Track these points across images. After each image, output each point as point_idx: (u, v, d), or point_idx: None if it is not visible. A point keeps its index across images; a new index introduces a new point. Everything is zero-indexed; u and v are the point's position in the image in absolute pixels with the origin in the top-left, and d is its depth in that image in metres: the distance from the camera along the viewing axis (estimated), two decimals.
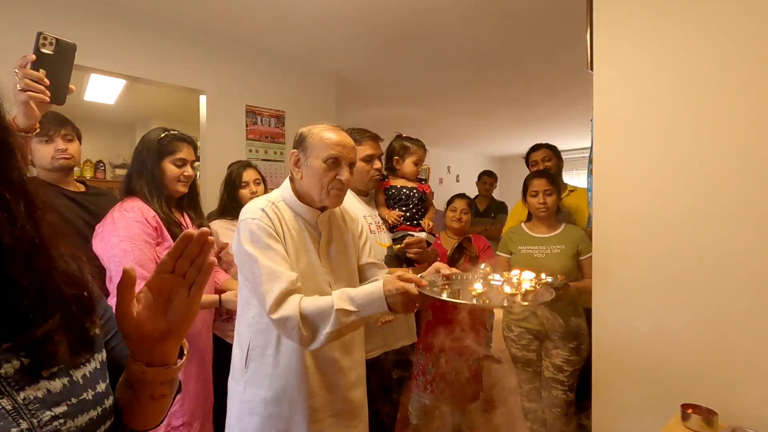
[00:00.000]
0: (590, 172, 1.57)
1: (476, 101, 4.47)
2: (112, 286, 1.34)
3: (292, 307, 0.97)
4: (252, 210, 1.09)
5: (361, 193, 1.69)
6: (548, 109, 4.81)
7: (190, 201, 1.61)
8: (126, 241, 1.32)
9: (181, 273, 0.52)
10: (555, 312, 1.87)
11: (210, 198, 2.78)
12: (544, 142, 2.42)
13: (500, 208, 3.78)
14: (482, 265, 1.04)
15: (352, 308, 0.94)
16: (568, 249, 1.91)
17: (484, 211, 3.71)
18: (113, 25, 2.39)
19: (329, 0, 2.37)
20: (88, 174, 4.76)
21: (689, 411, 1.14)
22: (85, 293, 0.50)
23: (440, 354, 2.19)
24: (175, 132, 1.53)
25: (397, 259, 1.58)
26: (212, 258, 0.52)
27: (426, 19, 2.59)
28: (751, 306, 1.15)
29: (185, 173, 1.50)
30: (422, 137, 1.85)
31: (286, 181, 1.18)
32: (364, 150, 1.62)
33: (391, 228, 1.70)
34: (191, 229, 0.51)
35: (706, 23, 1.23)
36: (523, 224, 2.08)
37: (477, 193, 3.91)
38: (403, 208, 1.72)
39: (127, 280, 0.50)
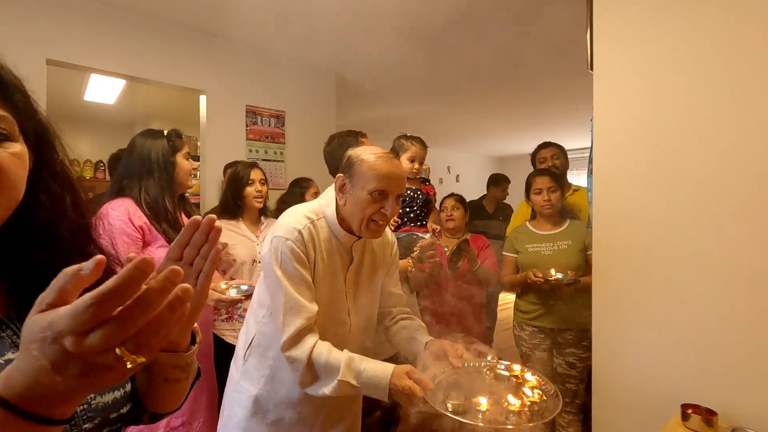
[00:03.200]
0: (590, 172, 1.57)
1: (477, 101, 4.47)
2: None
3: (303, 351, 0.98)
4: (289, 228, 1.04)
5: None
6: (549, 110, 4.81)
7: (181, 198, 1.63)
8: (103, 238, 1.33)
9: (188, 262, 0.51)
10: (568, 308, 1.87)
11: (210, 197, 2.79)
12: (544, 141, 2.42)
13: (508, 211, 3.81)
14: (489, 357, 1.00)
15: (354, 383, 0.95)
16: (575, 244, 1.91)
17: (493, 213, 3.72)
18: (113, 26, 2.39)
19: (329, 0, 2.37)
20: (88, 174, 4.76)
21: (689, 411, 1.14)
22: None
23: None
24: (174, 129, 1.56)
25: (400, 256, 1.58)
26: (219, 246, 0.51)
27: (426, 19, 2.59)
28: (752, 306, 1.15)
29: (194, 166, 1.58)
30: (422, 137, 1.85)
31: (332, 196, 1.10)
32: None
33: (395, 228, 1.70)
34: (197, 216, 0.50)
35: (705, 24, 1.23)
36: (527, 223, 2.08)
37: (484, 194, 3.92)
38: (407, 209, 1.72)
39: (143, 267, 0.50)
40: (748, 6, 1.16)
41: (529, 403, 0.85)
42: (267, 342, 1.09)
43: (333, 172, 1.68)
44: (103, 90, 3.54)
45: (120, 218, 1.37)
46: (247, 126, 2.94)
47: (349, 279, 1.12)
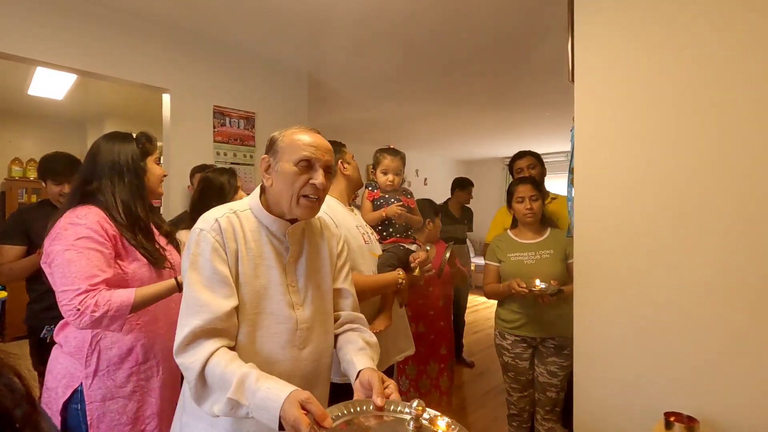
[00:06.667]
0: (571, 182, 1.58)
1: (447, 104, 4.50)
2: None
3: (197, 359, 0.86)
4: (206, 219, 0.98)
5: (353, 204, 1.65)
6: (520, 114, 4.91)
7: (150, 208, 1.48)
8: (71, 250, 1.18)
9: None
10: (550, 317, 1.88)
11: (174, 203, 2.62)
12: (516, 146, 2.46)
13: (471, 214, 3.90)
14: (414, 403, 0.81)
15: (244, 403, 0.83)
16: (557, 253, 1.92)
17: (460, 218, 3.75)
18: (64, 15, 2.19)
19: None
20: (32, 175, 4.39)
21: (672, 419, 1.16)
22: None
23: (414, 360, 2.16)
24: (144, 132, 1.43)
25: (390, 267, 1.53)
26: None
27: (399, 20, 2.56)
28: (732, 313, 1.19)
29: (164, 173, 1.47)
30: (392, 139, 1.82)
31: (257, 189, 1.07)
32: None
33: (381, 239, 1.66)
34: None
35: (685, 36, 1.26)
36: (508, 231, 2.08)
37: (449, 198, 3.93)
38: (392, 221, 1.69)
39: None
40: (730, 14, 1.20)
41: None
42: None
43: None
44: (50, 84, 3.26)
45: (90, 227, 1.21)
46: (214, 127, 2.79)
47: (289, 270, 1.04)
